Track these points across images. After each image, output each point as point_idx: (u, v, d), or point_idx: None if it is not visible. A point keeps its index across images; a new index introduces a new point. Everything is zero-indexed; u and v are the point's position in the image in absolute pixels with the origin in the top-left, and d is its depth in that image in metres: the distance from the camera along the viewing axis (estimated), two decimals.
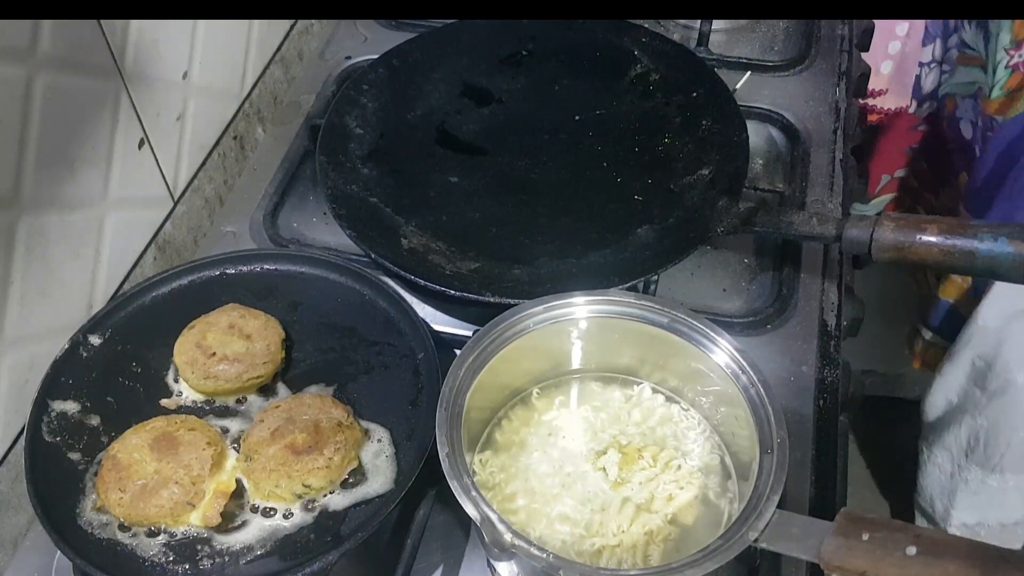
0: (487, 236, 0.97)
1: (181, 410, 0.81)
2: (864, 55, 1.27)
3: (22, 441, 0.78)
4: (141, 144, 0.92)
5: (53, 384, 0.81)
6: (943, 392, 1.45)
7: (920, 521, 1.60)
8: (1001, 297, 1.30)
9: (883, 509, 1.82)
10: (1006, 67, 1.32)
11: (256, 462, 0.74)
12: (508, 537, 0.62)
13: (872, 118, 1.58)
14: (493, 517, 0.63)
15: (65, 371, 0.82)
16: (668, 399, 0.80)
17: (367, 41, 1.24)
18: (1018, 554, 0.54)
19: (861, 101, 1.36)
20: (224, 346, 0.81)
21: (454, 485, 0.65)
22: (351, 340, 0.86)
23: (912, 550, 0.55)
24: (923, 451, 1.53)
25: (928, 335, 1.57)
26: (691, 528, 0.72)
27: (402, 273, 0.89)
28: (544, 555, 0.61)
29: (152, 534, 0.73)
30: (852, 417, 0.92)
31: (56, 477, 0.76)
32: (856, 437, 1.90)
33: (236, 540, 0.73)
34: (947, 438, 1.50)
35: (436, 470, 0.67)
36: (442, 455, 0.66)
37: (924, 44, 1.50)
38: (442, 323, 0.91)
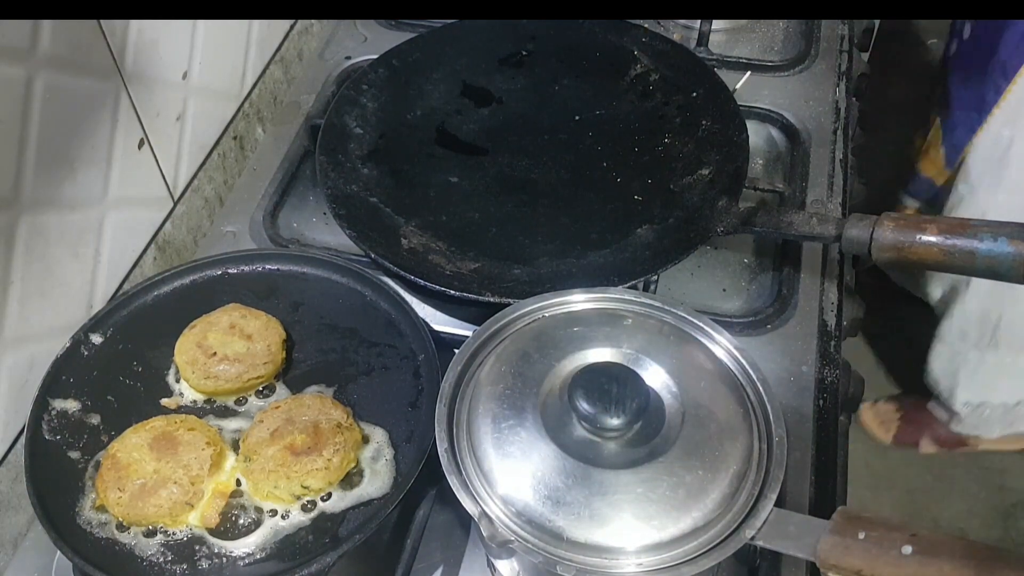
0: (487, 236, 0.97)
1: (181, 410, 0.81)
2: None
3: (22, 441, 0.78)
4: (141, 144, 0.92)
5: (54, 382, 0.81)
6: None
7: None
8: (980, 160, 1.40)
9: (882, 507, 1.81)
10: None
11: (255, 463, 0.74)
12: (506, 533, 0.62)
13: None
14: (491, 513, 0.63)
15: (66, 369, 0.82)
16: None
17: (367, 41, 1.24)
18: (1013, 553, 0.54)
19: None
20: (225, 346, 0.81)
21: (452, 481, 0.65)
22: (352, 341, 0.86)
23: (908, 549, 0.56)
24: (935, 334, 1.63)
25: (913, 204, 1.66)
26: None
27: (402, 273, 0.89)
28: (542, 552, 0.61)
29: (150, 534, 0.73)
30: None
31: (55, 475, 0.76)
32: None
33: (234, 541, 0.73)
34: (946, 319, 1.58)
35: (436, 471, 0.67)
36: (441, 451, 0.66)
37: None
38: (442, 323, 0.91)
